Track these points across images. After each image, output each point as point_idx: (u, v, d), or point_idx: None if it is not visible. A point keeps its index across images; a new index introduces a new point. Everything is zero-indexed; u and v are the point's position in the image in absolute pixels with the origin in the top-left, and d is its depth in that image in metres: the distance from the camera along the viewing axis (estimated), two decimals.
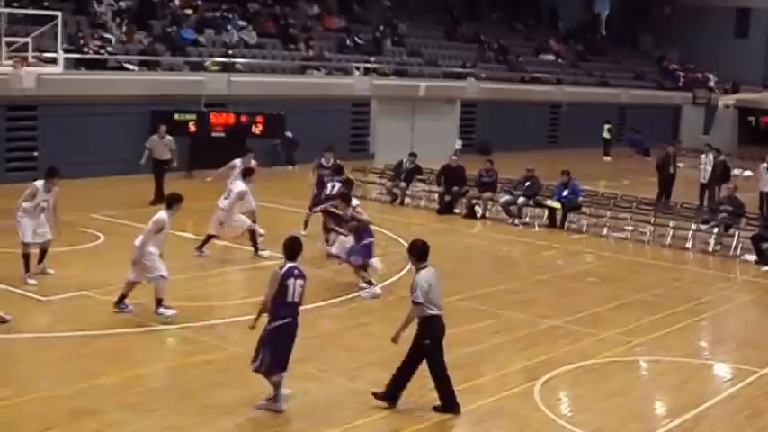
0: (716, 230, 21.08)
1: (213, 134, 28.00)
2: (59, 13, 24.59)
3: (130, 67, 27.99)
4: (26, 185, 15.28)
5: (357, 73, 34.65)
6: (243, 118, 28.56)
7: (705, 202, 25.83)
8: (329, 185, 18.11)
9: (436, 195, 24.60)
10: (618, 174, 34.36)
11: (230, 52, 30.91)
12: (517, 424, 10.47)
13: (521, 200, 23.13)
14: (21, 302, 13.88)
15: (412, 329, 10.43)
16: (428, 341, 10.27)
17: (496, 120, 37.95)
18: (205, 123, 28.01)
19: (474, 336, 13.49)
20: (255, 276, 15.70)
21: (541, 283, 17.47)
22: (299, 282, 10.15)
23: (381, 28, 38.56)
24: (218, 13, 32.87)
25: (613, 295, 16.48)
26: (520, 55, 44.11)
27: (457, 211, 23.99)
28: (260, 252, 17.30)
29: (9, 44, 23.79)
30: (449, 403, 10.45)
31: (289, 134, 30.08)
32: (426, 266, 10.45)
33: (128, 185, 23.58)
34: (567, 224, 22.63)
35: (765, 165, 25.92)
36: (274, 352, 10.02)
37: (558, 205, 22.71)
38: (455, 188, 23.99)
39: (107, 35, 28.41)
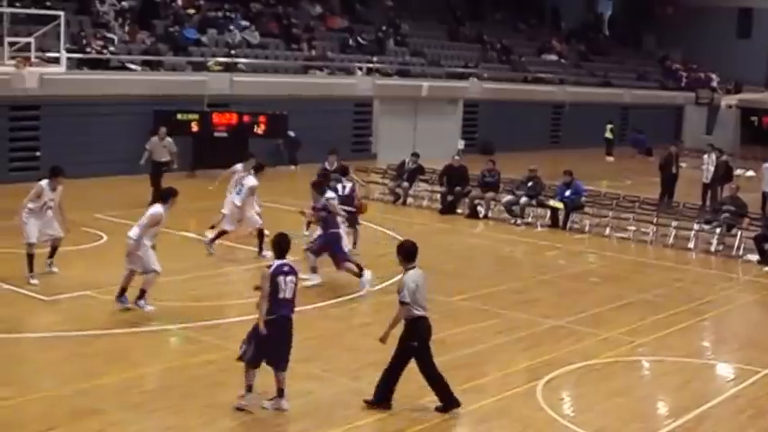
0: (718, 230, 21.06)
1: (216, 134, 28.02)
2: (62, 13, 24.64)
3: (133, 66, 28.01)
4: (29, 185, 15.30)
5: (360, 73, 34.66)
6: (245, 118, 28.57)
7: (708, 203, 25.83)
8: (340, 187, 18.16)
9: (439, 195, 24.61)
10: (620, 174, 34.34)
11: (233, 52, 30.94)
12: (519, 424, 10.47)
13: (523, 200, 23.12)
14: (24, 302, 13.92)
15: (399, 329, 10.43)
16: (416, 343, 10.28)
17: (499, 120, 37.92)
18: (208, 123, 28.02)
19: (476, 336, 13.50)
20: (258, 277, 15.63)
21: (544, 283, 17.47)
22: (290, 278, 10.18)
23: (384, 28, 38.55)
24: (220, 13, 32.88)
25: (616, 295, 16.47)
26: (522, 55, 44.08)
27: (459, 211, 23.99)
28: (263, 253, 17.31)
29: (12, 44, 23.83)
30: (448, 400, 10.44)
31: (291, 134, 30.10)
32: (414, 267, 10.45)
33: (130, 185, 23.59)
34: (569, 224, 22.63)
35: (767, 165, 25.92)
36: (259, 345, 10.03)
37: (560, 205, 22.70)
38: (458, 188, 23.99)
39: (110, 35, 28.43)
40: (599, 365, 12.59)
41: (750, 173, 33.61)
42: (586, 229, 22.52)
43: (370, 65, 35.15)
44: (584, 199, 23.16)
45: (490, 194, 23.63)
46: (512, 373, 12.10)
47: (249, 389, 10.16)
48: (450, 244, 20.66)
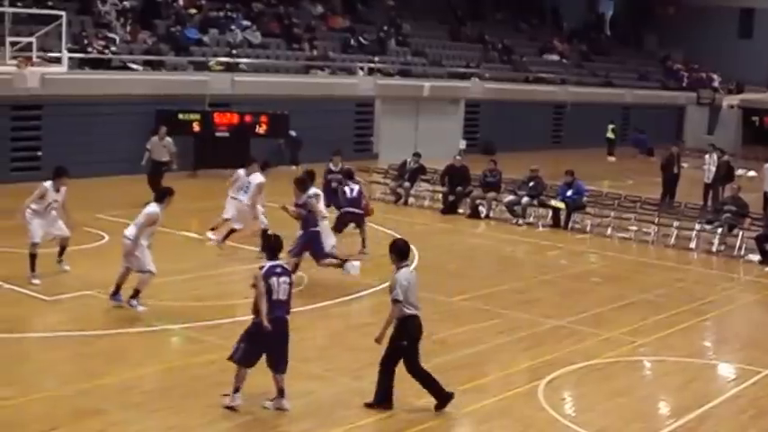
0: (720, 230, 21.05)
1: (217, 134, 28.02)
2: (64, 13, 24.64)
3: (134, 66, 28.01)
4: (30, 185, 15.31)
5: (361, 73, 34.65)
6: (247, 118, 28.57)
7: (709, 203, 25.82)
8: (347, 189, 18.16)
9: (440, 195, 24.60)
10: (622, 174, 34.34)
11: (234, 52, 30.93)
12: (521, 424, 10.47)
13: (525, 200, 23.12)
14: (25, 302, 13.91)
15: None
16: (405, 342, 10.28)
17: (500, 120, 37.91)
18: (209, 123, 28.01)
19: (478, 336, 13.50)
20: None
21: (545, 283, 17.47)
22: (283, 279, 10.16)
23: (385, 28, 38.55)
24: (222, 13, 32.89)
25: (617, 295, 16.47)
26: (524, 55, 44.06)
27: (461, 210, 23.98)
28: None
29: (13, 44, 23.80)
30: (441, 396, 10.44)
31: (293, 134, 30.09)
32: (406, 265, 10.49)
33: (132, 185, 23.54)
34: (570, 224, 22.62)
35: None
36: (251, 346, 10.03)
37: (561, 205, 22.70)
38: (459, 188, 23.98)
39: (111, 35, 28.42)
40: (600, 365, 12.59)
41: (751, 173, 33.58)
42: (588, 229, 22.51)
43: (372, 65, 35.13)
44: (585, 199, 23.15)
45: (492, 194, 23.63)
46: (513, 373, 12.10)
47: (237, 390, 10.11)
48: (452, 244, 20.66)
